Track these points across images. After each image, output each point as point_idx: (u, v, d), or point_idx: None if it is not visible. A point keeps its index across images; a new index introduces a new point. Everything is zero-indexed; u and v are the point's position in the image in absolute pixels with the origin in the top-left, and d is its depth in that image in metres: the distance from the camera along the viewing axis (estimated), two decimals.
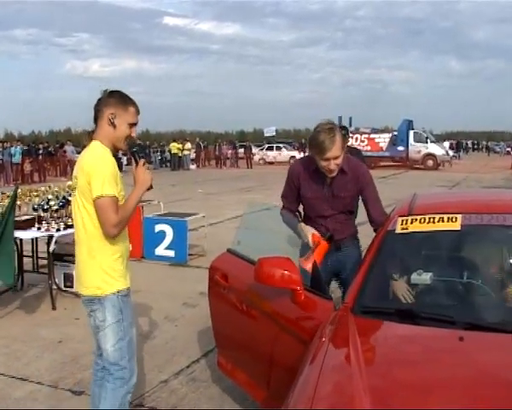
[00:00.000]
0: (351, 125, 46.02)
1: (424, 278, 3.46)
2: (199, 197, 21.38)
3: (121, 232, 3.79)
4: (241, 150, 47.57)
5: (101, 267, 3.78)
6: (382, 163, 43.89)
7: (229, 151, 46.67)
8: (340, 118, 46.72)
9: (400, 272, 3.68)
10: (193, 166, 43.99)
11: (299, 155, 47.14)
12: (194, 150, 45.99)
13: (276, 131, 52.21)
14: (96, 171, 3.65)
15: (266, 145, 49.65)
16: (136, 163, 3.83)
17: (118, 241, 3.81)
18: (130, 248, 4.08)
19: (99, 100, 3.80)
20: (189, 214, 11.27)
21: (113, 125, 3.74)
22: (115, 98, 3.77)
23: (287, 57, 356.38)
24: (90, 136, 3.86)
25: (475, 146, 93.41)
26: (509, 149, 58.56)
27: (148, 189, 3.82)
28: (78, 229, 3.84)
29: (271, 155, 49.31)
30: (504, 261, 3.91)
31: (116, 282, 3.80)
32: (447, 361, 2.77)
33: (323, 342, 3.03)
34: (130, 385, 3.92)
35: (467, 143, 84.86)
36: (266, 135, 49.59)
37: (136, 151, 3.86)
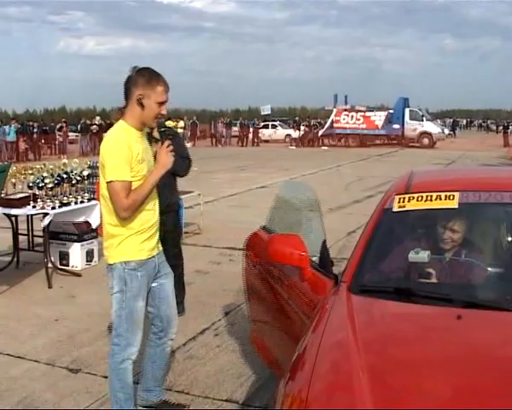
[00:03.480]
0: (346, 103, 45.91)
1: (422, 256, 3.44)
2: (194, 175, 21.25)
3: (136, 211, 3.88)
4: (235, 128, 47.49)
5: (114, 237, 3.93)
6: (378, 141, 43.89)
7: (224, 129, 46.53)
8: (335, 96, 46.62)
9: (398, 250, 3.67)
10: (188, 145, 43.82)
11: (294, 132, 47.07)
12: (190, 128, 45.83)
13: (272, 109, 51.96)
14: (108, 155, 3.79)
15: (262, 123, 49.52)
16: (162, 143, 3.89)
17: (134, 217, 3.90)
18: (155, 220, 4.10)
19: (129, 77, 3.84)
20: (185, 192, 11.20)
21: (141, 105, 3.80)
22: (144, 78, 3.80)
23: (281, 35, 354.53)
24: (121, 112, 3.97)
25: (471, 124, 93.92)
26: (500, 127, 58.52)
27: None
28: (101, 201, 4.01)
29: (267, 133, 49.13)
30: (502, 239, 3.90)
31: (123, 254, 3.92)
32: (445, 340, 2.76)
33: (321, 321, 3.02)
34: (126, 353, 4.02)
35: (461, 121, 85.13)
36: (262, 113, 49.34)
37: (164, 132, 3.95)
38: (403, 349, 2.73)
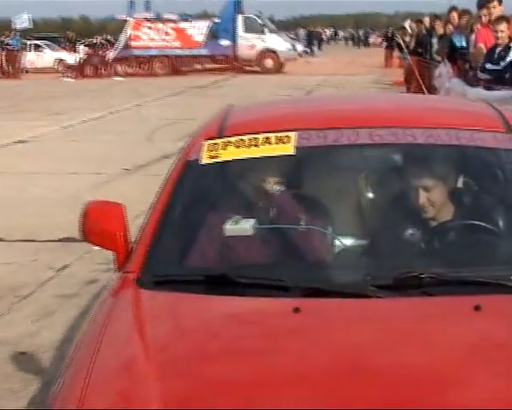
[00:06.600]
0: (148, 10, 45.77)
1: (243, 227, 3.55)
2: None
3: None
4: None
5: None
6: (199, 66, 44.07)
7: None
8: (130, 1, 46.22)
9: (209, 220, 3.77)
10: None
11: (69, 57, 46.16)
12: None
13: (33, 20, 50.71)
14: None
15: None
16: None
17: None
18: None
19: None
20: None
21: None
22: None
23: None
24: None
25: (336, 36, 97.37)
26: (380, 39, 61.23)
27: None
28: None
29: (26, 58, 47.83)
30: (360, 196, 4.10)
31: None
32: (270, 345, 2.86)
33: (96, 333, 3.04)
34: None
35: (323, 32, 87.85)
36: (17, 27, 48.00)
37: None
38: (212, 366, 2.74)
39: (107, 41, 47.77)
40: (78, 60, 44.73)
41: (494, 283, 3.20)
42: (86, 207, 3.82)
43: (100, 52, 45.00)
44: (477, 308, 2.93)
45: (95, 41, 48.00)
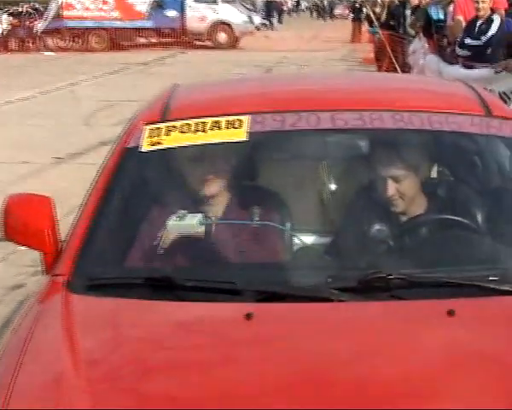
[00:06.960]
0: None
1: (189, 223, 3.55)
2: None
3: None
4: None
5: None
6: (142, 40, 43.84)
7: None
8: None
9: (150, 216, 3.78)
10: None
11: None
12: None
13: None
14: None
15: None
16: None
17: None
18: None
19: None
20: None
21: None
22: None
23: None
24: None
25: (298, 6, 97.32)
26: (347, 10, 61.69)
27: None
28: None
29: None
30: (322, 188, 4.13)
31: None
32: (217, 357, 2.88)
33: (19, 344, 3.03)
34: None
35: (285, 3, 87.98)
36: None
37: None
38: (152, 382, 2.75)
39: (35, 10, 47.16)
40: (0, 31, 44.30)
41: (470, 284, 3.22)
42: (8, 201, 3.77)
43: (27, 23, 44.46)
44: (451, 313, 2.96)
45: (20, 10, 47.43)
